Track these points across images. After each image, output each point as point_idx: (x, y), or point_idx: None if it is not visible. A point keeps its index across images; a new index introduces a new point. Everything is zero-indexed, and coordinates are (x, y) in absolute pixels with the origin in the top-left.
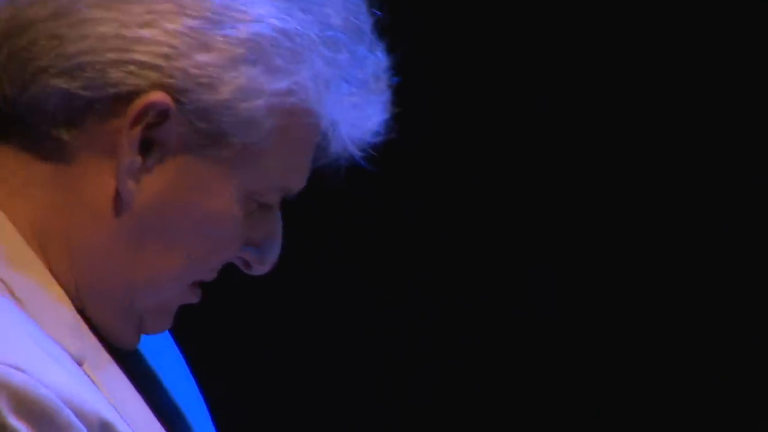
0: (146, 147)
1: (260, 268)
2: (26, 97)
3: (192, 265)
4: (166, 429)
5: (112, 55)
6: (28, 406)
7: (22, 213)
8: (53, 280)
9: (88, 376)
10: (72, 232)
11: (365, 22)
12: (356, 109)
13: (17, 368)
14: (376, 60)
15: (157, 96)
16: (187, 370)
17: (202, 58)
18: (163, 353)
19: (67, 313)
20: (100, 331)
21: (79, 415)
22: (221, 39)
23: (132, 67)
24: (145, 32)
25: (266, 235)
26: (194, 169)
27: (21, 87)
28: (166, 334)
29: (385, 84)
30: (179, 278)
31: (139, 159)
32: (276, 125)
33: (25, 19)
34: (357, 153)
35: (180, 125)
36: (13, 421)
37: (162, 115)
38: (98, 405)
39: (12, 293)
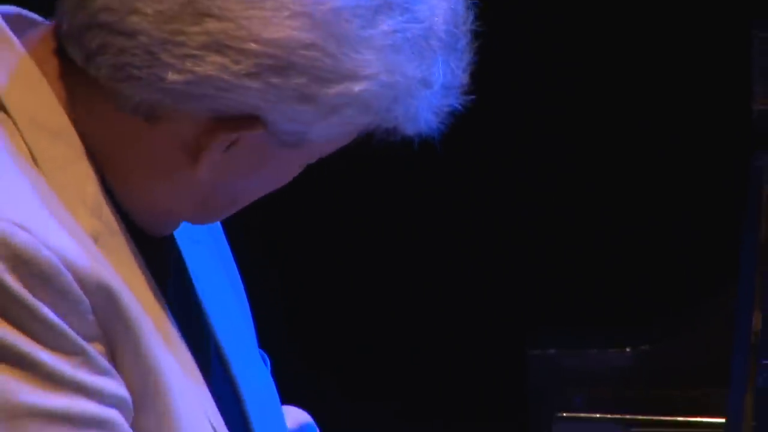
0: (230, 144)
1: None
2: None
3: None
4: (181, 322)
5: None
6: (26, 266)
7: (89, 123)
8: (84, 156)
9: (101, 254)
10: (132, 166)
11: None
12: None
13: (21, 227)
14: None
15: (252, 124)
16: (235, 270)
17: (302, 107)
18: (204, 246)
19: (90, 191)
20: (131, 216)
21: (80, 281)
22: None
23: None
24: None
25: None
26: (270, 155)
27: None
28: (218, 228)
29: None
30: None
31: (221, 154)
32: (354, 136)
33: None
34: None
35: (266, 138)
36: (8, 279)
37: (253, 132)
38: (103, 273)
39: (35, 162)
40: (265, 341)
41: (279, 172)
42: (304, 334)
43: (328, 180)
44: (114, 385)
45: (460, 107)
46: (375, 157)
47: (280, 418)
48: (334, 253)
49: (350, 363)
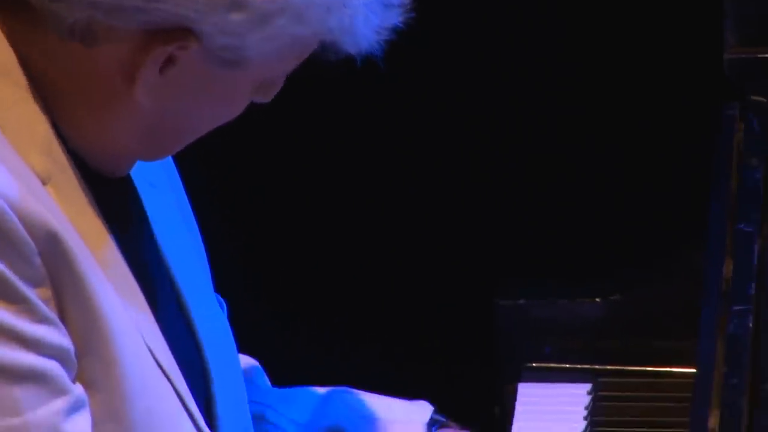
0: (166, 63)
1: (264, 100)
2: None
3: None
4: (137, 264)
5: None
6: None
7: (32, 56)
8: (32, 95)
9: (50, 196)
10: (78, 99)
11: None
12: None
13: None
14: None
15: (185, 36)
16: (191, 215)
17: (234, 17)
18: (161, 190)
19: (40, 130)
20: (84, 157)
21: (27, 224)
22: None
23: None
24: None
25: (269, 89)
26: (210, 77)
27: None
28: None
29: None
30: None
31: (157, 74)
32: (294, 53)
33: None
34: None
35: (202, 55)
36: None
37: (185, 47)
38: (50, 217)
39: None
40: (222, 287)
41: (224, 96)
42: (264, 280)
43: (292, 124)
44: (55, 335)
45: (402, 26)
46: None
47: (236, 362)
48: (297, 197)
49: (314, 309)
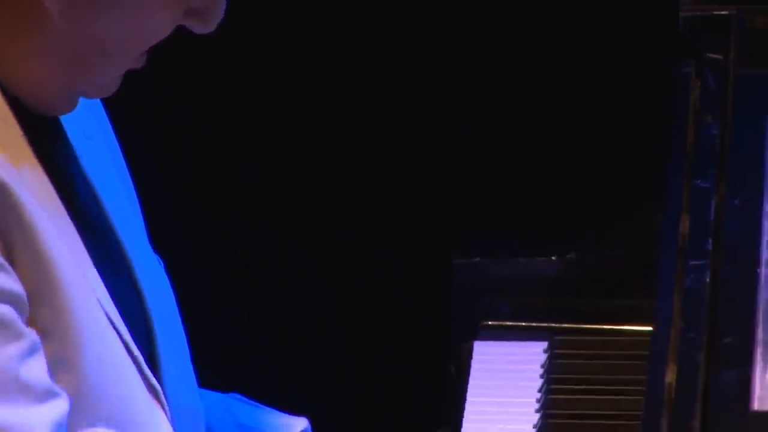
0: None
1: (203, 30)
2: None
3: (127, 60)
4: (78, 215)
5: None
6: None
7: None
8: None
9: None
10: (3, 45)
11: None
12: None
13: None
14: None
15: None
16: (126, 170)
17: None
18: (97, 143)
19: None
20: (20, 99)
21: None
22: None
23: None
24: None
25: (204, 16)
26: None
27: None
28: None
29: None
30: (115, 73)
31: None
32: None
33: None
34: None
35: None
36: None
37: None
38: None
39: None
40: (157, 245)
41: (140, 9)
42: (199, 236)
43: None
44: (8, 281)
45: None
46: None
47: (177, 317)
48: (236, 158)
49: (258, 267)
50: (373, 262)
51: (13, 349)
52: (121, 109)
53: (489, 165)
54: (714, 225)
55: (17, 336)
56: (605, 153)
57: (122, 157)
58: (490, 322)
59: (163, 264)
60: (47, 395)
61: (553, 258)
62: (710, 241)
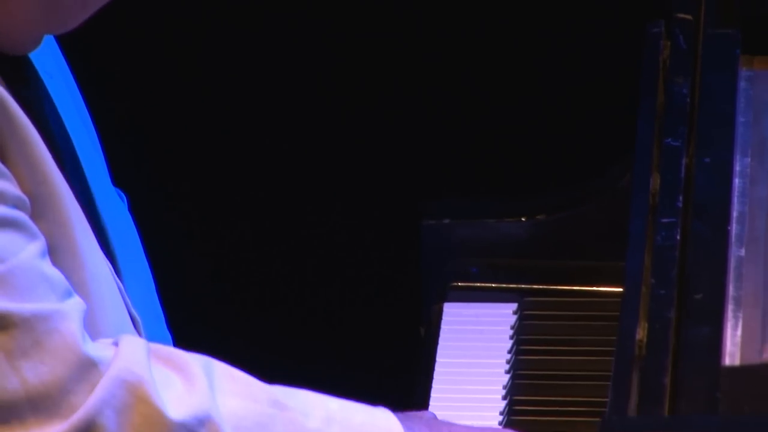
0: None
1: None
2: None
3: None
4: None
5: None
6: None
7: None
8: None
9: None
10: None
11: None
12: None
13: None
14: None
15: None
16: (84, 108)
17: None
18: (57, 80)
19: None
20: None
21: None
22: None
23: None
24: None
25: None
26: None
27: None
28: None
29: None
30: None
31: None
32: None
33: None
34: None
35: None
36: None
37: None
38: None
39: None
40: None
41: None
42: (161, 172)
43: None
44: (11, 186)
45: None
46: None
47: (142, 253)
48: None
49: (226, 226)
50: (341, 225)
51: (34, 247)
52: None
53: (458, 126)
54: (684, 183)
55: (34, 235)
56: (575, 114)
57: (80, 95)
58: (459, 284)
59: (126, 200)
60: (68, 292)
61: (523, 219)
62: (681, 198)
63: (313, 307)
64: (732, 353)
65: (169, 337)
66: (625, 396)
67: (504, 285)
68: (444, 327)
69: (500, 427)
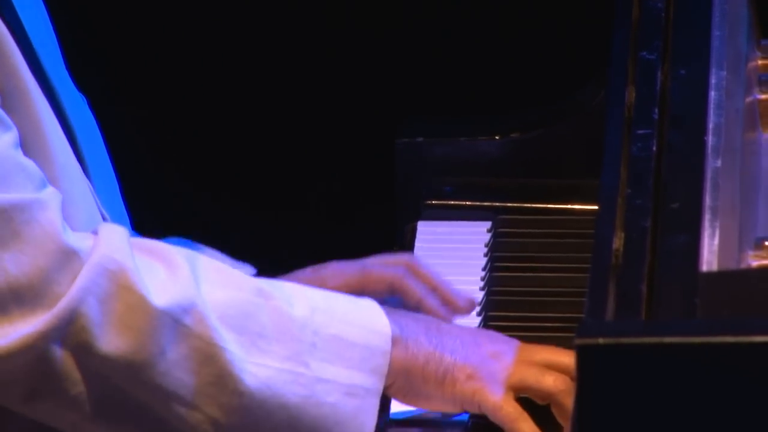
0: None
1: None
2: None
3: None
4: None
5: None
6: None
7: None
8: None
9: None
10: None
11: None
12: None
13: None
14: None
15: None
16: (42, 6)
17: None
18: None
19: None
20: None
21: None
22: None
23: None
24: None
25: None
26: None
27: None
28: None
29: None
30: None
31: None
32: None
33: None
34: None
35: None
36: None
37: None
38: None
39: None
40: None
41: None
42: (121, 76)
43: None
44: None
45: None
46: None
47: (104, 150)
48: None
49: (199, 146)
50: (315, 144)
51: (8, 137)
52: None
53: (431, 45)
54: (660, 95)
55: (8, 126)
56: (549, 30)
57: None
58: (433, 202)
59: (86, 100)
60: (43, 183)
61: (497, 138)
62: (656, 111)
63: (287, 225)
64: (709, 262)
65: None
66: (601, 304)
67: (478, 203)
68: (418, 245)
69: (485, 329)
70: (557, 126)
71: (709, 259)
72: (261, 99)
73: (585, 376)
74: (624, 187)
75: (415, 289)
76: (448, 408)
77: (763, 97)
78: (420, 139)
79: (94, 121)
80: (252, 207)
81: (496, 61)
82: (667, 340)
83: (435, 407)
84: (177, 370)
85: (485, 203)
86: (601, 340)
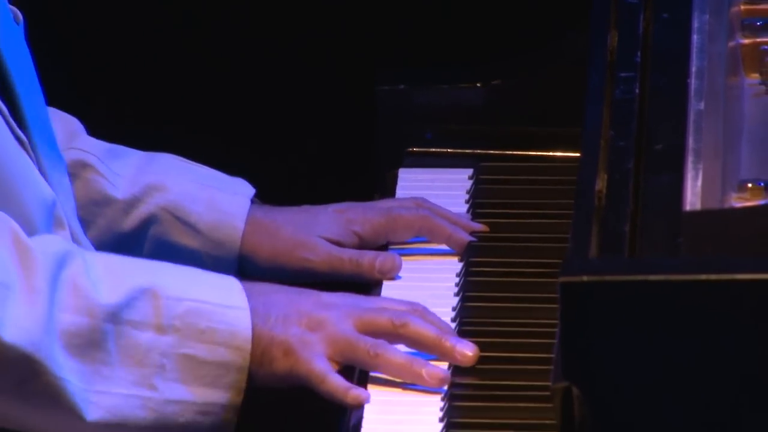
0: None
1: None
2: None
3: None
4: None
5: None
6: None
7: None
8: None
9: None
10: None
11: None
12: None
13: None
14: None
15: None
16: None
17: None
18: None
19: None
20: None
21: None
22: None
23: None
24: None
25: None
26: None
27: None
28: None
29: None
30: None
31: None
32: None
33: None
34: None
35: None
36: None
37: None
38: None
39: None
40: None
41: None
42: None
43: None
44: None
45: None
46: None
47: (36, 79)
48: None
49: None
50: (295, 91)
51: None
52: None
53: None
54: (643, 39)
55: None
56: None
57: None
58: (414, 149)
59: (22, 18)
60: None
61: (478, 85)
62: (639, 54)
63: (264, 172)
64: (693, 203)
65: (62, 159)
66: (585, 244)
67: (460, 150)
68: (399, 192)
69: (372, 296)
70: (539, 73)
71: (693, 200)
72: (241, 45)
73: (569, 313)
74: (607, 129)
75: (444, 226)
76: (279, 385)
77: (746, 41)
78: (402, 86)
79: (23, 37)
80: (229, 153)
81: (478, 8)
82: (651, 277)
83: (268, 385)
84: (23, 403)
85: (467, 150)
86: (585, 278)
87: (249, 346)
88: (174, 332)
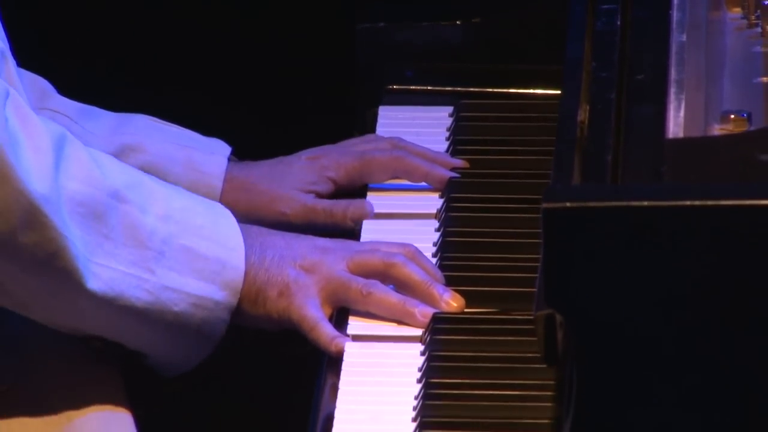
0: None
1: None
2: None
3: None
4: None
5: None
6: None
7: None
8: None
9: None
10: None
11: None
12: None
13: None
14: None
15: None
16: None
17: None
18: None
19: None
20: None
21: None
22: None
23: None
24: None
25: None
26: None
27: None
28: None
29: None
30: None
31: None
32: None
33: None
34: None
35: None
36: None
37: None
38: None
39: None
40: None
41: None
42: None
43: None
44: None
45: None
46: None
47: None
48: None
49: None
50: (272, 27)
51: None
52: None
53: None
54: None
55: None
56: None
57: None
58: (394, 87)
59: None
60: None
61: (458, 22)
62: None
63: (243, 111)
64: (675, 133)
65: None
66: (567, 174)
67: (440, 88)
68: (379, 130)
69: (360, 241)
70: (519, 10)
71: (675, 130)
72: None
73: (552, 240)
74: (589, 60)
75: (420, 165)
76: (271, 327)
77: None
78: (381, 24)
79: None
80: (204, 91)
81: None
82: (635, 203)
83: (260, 326)
84: (24, 252)
85: (447, 88)
86: (568, 204)
87: (242, 253)
88: (175, 223)
